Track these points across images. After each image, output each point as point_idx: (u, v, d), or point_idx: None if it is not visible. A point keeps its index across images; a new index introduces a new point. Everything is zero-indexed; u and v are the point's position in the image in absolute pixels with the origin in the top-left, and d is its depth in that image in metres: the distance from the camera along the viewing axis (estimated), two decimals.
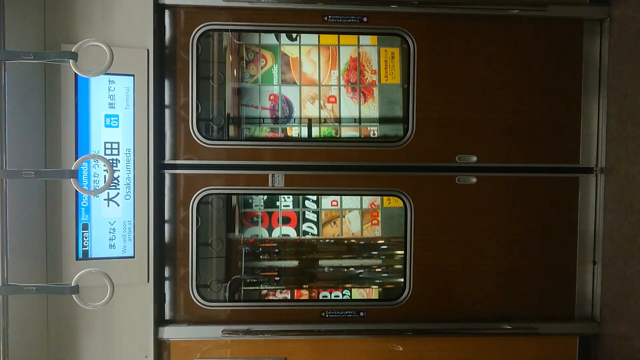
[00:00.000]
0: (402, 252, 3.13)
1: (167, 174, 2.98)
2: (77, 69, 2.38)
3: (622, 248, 2.84)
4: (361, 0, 2.94)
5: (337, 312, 3.03)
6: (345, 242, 3.63)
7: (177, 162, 2.97)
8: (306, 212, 3.57)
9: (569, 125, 3.07)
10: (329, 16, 2.98)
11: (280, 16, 2.98)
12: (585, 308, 3.11)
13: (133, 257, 2.84)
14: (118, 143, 2.81)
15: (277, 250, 3.55)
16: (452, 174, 3.05)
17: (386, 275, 3.59)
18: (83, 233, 2.77)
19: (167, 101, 2.96)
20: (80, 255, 2.77)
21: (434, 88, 3.02)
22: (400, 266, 3.26)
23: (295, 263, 3.57)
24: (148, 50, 2.81)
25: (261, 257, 3.55)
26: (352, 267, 3.60)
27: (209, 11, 2.94)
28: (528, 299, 3.09)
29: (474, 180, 3.06)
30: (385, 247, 3.62)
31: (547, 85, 3.06)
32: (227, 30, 3.10)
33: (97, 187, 2.74)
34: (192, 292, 2.99)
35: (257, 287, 3.49)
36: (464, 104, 3.04)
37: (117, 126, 2.81)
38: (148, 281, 2.85)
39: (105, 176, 2.74)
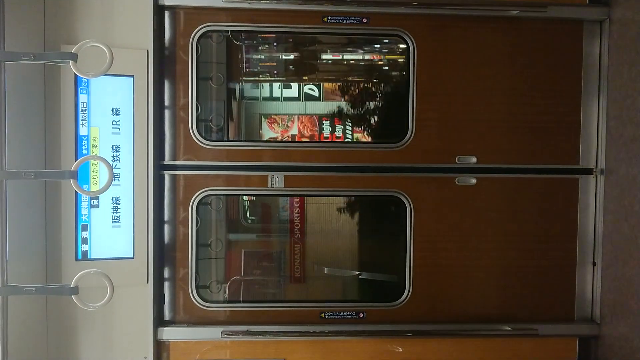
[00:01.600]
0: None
1: (167, 174, 2.98)
2: (77, 70, 2.38)
3: (622, 249, 2.84)
4: (361, 1, 2.94)
5: (337, 313, 3.03)
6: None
7: (177, 163, 2.97)
8: None
9: (568, 126, 3.07)
10: (329, 17, 2.98)
11: (280, 17, 2.98)
12: (585, 309, 3.10)
13: (133, 258, 2.84)
14: (118, 144, 2.82)
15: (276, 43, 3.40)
16: (451, 175, 3.05)
17: (386, 68, 3.48)
18: (82, 234, 2.77)
19: (166, 102, 2.97)
20: (80, 256, 2.77)
21: (434, 89, 3.02)
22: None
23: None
24: (148, 51, 2.81)
25: (260, 48, 3.42)
26: (352, 60, 3.48)
27: (208, 12, 2.95)
28: (528, 300, 3.09)
29: (474, 181, 3.05)
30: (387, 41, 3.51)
31: (546, 86, 3.06)
32: (226, 31, 3.10)
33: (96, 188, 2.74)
34: (192, 293, 2.99)
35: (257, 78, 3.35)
36: (463, 105, 3.04)
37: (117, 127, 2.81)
38: (147, 282, 2.85)
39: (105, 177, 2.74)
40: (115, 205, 2.81)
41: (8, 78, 2.45)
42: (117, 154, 2.81)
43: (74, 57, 2.37)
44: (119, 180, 2.80)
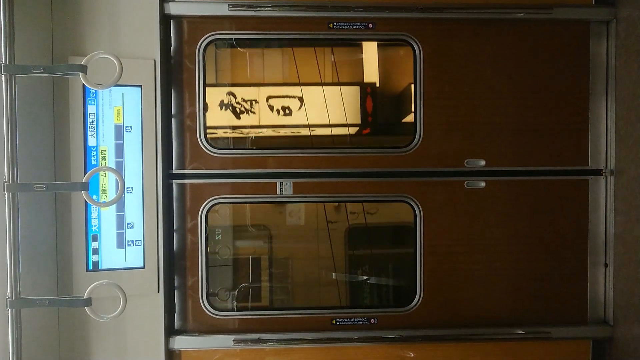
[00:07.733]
0: None
1: (175, 183, 2.98)
2: (87, 82, 2.38)
3: (634, 250, 2.82)
4: (366, 6, 2.95)
5: (348, 320, 3.02)
6: None
7: (185, 171, 2.98)
8: None
9: (577, 127, 3.06)
10: (335, 23, 2.98)
11: (286, 24, 2.99)
12: (598, 311, 3.09)
13: (143, 267, 2.84)
14: (126, 154, 2.82)
15: None
16: (460, 178, 3.04)
17: None
18: (93, 244, 2.77)
19: (174, 111, 2.97)
20: (91, 267, 2.77)
21: (441, 93, 3.02)
22: None
23: None
24: (155, 60, 2.81)
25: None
26: None
27: (214, 21, 2.95)
28: (540, 303, 3.07)
29: (483, 184, 3.05)
30: None
31: (554, 87, 3.05)
32: (232, 40, 3.11)
33: (106, 199, 2.74)
34: (202, 301, 2.99)
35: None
36: (471, 108, 3.03)
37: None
38: (158, 291, 2.85)
39: (115, 187, 2.75)
40: (124, 215, 2.82)
41: (17, 91, 2.45)
42: (126, 164, 2.81)
43: (83, 69, 2.37)
44: (129, 190, 2.80)
